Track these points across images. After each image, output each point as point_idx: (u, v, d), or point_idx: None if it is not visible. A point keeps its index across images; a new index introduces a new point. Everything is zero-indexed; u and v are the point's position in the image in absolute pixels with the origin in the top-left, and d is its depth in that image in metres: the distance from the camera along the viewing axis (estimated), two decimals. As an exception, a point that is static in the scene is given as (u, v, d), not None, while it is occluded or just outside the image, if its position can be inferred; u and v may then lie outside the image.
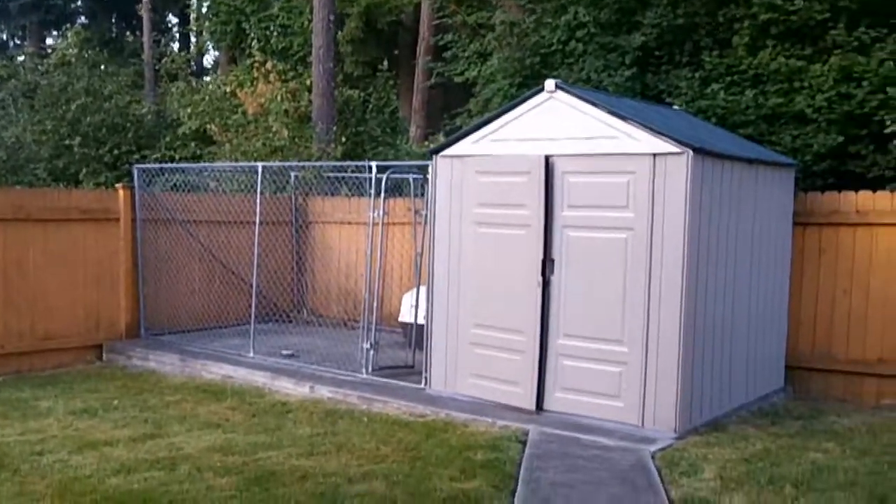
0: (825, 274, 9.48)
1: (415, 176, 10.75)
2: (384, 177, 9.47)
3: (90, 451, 7.01)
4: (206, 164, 12.90)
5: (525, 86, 11.94)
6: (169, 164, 13.64)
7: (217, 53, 30.23)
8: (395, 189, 11.60)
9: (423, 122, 18.68)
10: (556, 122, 8.02)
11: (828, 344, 9.48)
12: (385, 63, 17.40)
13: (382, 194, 9.43)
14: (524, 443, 7.28)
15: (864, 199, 9.26)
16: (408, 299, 10.86)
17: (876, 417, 8.54)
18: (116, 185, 11.66)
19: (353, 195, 13.01)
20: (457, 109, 14.38)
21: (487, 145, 8.45)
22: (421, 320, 9.66)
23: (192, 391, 9.29)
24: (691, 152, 7.34)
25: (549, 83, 8.04)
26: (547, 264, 8.05)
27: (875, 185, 9.61)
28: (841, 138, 9.73)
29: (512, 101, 11.84)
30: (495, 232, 8.38)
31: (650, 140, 7.50)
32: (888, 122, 9.23)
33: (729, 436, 7.60)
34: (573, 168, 7.93)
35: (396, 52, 22.18)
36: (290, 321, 12.81)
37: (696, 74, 10.71)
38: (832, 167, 9.87)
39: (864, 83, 9.66)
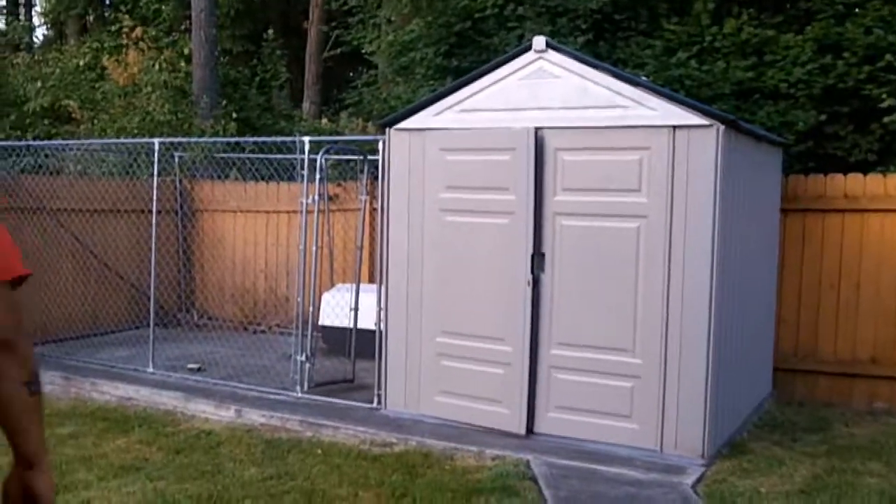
0: (809, 266, 8.54)
1: (328, 157, 9.21)
2: (319, 156, 7.84)
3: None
4: (86, 141, 10.89)
5: (453, 54, 10.52)
6: (40, 142, 11.44)
7: (45, 30, 27.43)
8: (286, 172, 10.03)
9: (317, 97, 16.85)
10: (546, 89, 6.65)
11: (813, 343, 8.54)
12: (270, 32, 15.48)
13: (318, 176, 7.80)
14: (534, 479, 5.90)
15: (853, 183, 8.34)
16: (330, 299, 9.30)
17: (885, 426, 7.63)
18: (-33, 167, 9.55)
19: (247, 179, 11.28)
20: (357, 80, 12.74)
21: (454, 116, 7.00)
22: (362, 324, 8.15)
23: (88, 420, 7.41)
24: (721, 126, 6.12)
25: (538, 41, 6.66)
26: (536, 259, 6.69)
27: (858, 169, 8.73)
28: (823, 116, 8.81)
29: (441, 70, 10.56)
30: (468, 221, 6.95)
31: (669, 110, 6.24)
32: (883, 97, 8.34)
33: (760, 459, 6.46)
34: (569, 144, 6.59)
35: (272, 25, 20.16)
36: (179, 324, 10.98)
37: (658, 43, 9.58)
38: (809, 150, 8.95)
39: (847, 54, 8.76)
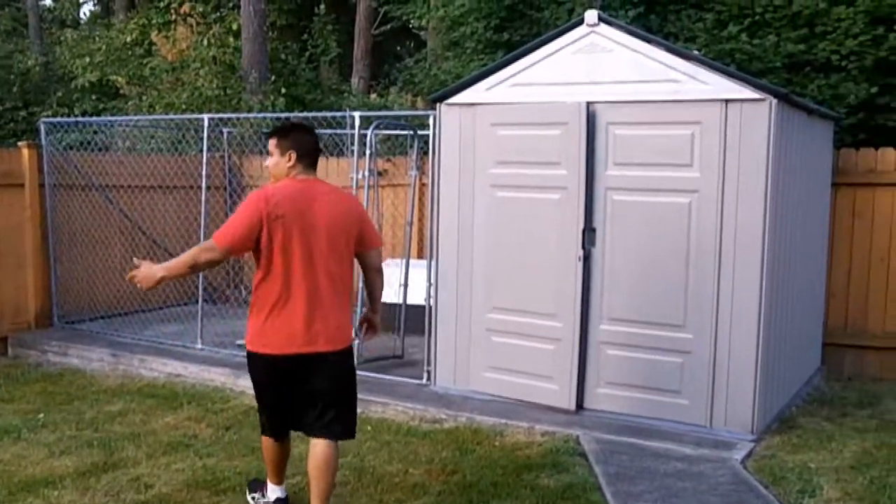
0: (859, 240, 8.44)
1: (378, 132, 9.24)
2: (369, 132, 7.87)
3: (29, 497, 5.25)
4: (135, 117, 11.01)
5: (503, 28, 10.48)
6: (89, 119, 11.58)
7: (91, 6, 27.72)
8: (335, 147, 10.06)
9: (366, 72, 16.85)
10: (597, 63, 6.61)
11: (863, 318, 8.46)
12: (322, 7, 15.49)
13: (368, 151, 7.84)
14: (584, 455, 5.94)
15: (904, 156, 8.23)
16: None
17: (936, 402, 7.58)
18: (19, 144, 9.68)
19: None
20: (406, 55, 12.75)
21: (506, 91, 6.98)
22: (412, 300, 8.21)
23: (136, 396, 7.55)
24: (774, 99, 6.06)
25: (591, 14, 6.61)
26: (586, 235, 6.68)
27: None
28: (874, 89, 8.67)
29: (491, 44, 10.52)
30: (519, 196, 6.94)
31: (722, 84, 6.17)
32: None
33: (809, 434, 6.46)
34: (621, 118, 6.55)
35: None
36: (227, 301, 11.10)
37: (709, 17, 9.46)
38: (860, 121, 8.82)
39: (899, 26, 8.64)
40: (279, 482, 4.96)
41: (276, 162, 4.62)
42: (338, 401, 4.65)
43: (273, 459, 4.87)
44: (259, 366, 4.62)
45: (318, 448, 4.63)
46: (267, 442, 4.83)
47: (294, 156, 4.58)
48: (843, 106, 8.70)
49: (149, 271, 4.42)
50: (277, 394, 4.63)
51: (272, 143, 4.65)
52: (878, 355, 8.41)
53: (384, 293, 8.93)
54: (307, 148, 4.63)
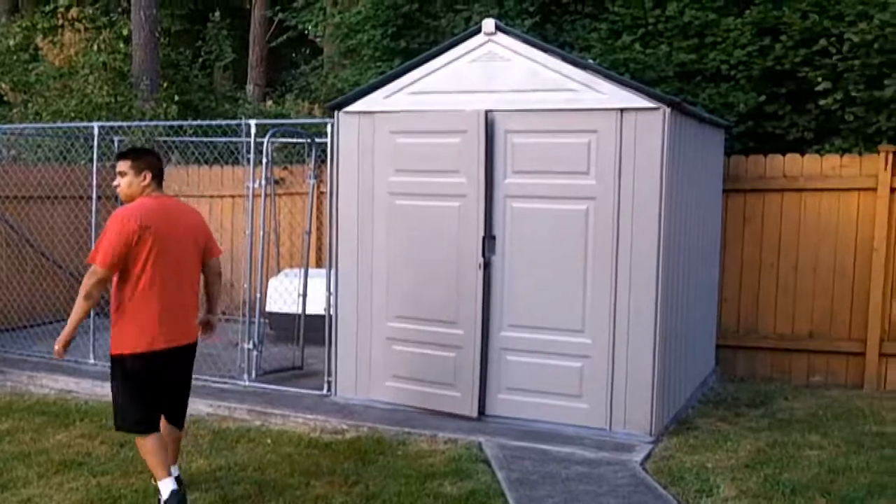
0: (750, 244, 8.71)
1: (274, 140, 9.11)
2: (266, 140, 7.75)
3: (-87, 521, 5.02)
4: (20, 125, 10.61)
5: (401, 36, 10.47)
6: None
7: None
8: (230, 155, 9.92)
9: (262, 79, 16.60)
10: (496, 72, 6.66)
11: (754, 320, 8.74)
12: (217, 14, 15.20)
13: (264, 159, 7.72)
14: (487, 461, 5.94)
15: (791, 163, 8.52)
16: (278, 285, 9.21)
17: (822, 399, 7.87)
18: None
19: (189, 163, 11.09)
20: (302, 62, 12.63)
21: (405, 99, 6.97)
22: (311, 310, 8.11)
23: (25, 414, 7.24)
24: (668, 108, 6.20)
25: (488, 23, 6.66)
26: (487, 242, 6.70)
27: (796, 147, 8.92)
28: (762, 97, 8.97)
29: (389, 52, 10.51)
30: (419, 204, 6.93)
31: (617, 93, 6.29)
32: (819, 80, 8.53)
33: (706, 434, 6.62)
34: (519, 126, 6.61)
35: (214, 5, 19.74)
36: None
37: (603, 27, 9.64)
38: (749, 129, 9.11)
39: (784, 37, 8.93)
40: (168, 473, 5.02)
41: (129, 182, 5.02)
42: (188, 388, 5.42)
43: (160, 450, 5.02)
44: (140, 364, 4.94)
45: (172, 430, 5.32)
46: (151, 440, 5.01)
47: (149, 175, 5.02)
48: (733, 114, 8.97)
49: (58, 345, 4.98)
50: (156, 386, 5.02)
51: (125, 164, 5.04)
52: (769, 356, 8.69)
53: (280, 303, 8.95)
54: (158, 168, 5.11)
